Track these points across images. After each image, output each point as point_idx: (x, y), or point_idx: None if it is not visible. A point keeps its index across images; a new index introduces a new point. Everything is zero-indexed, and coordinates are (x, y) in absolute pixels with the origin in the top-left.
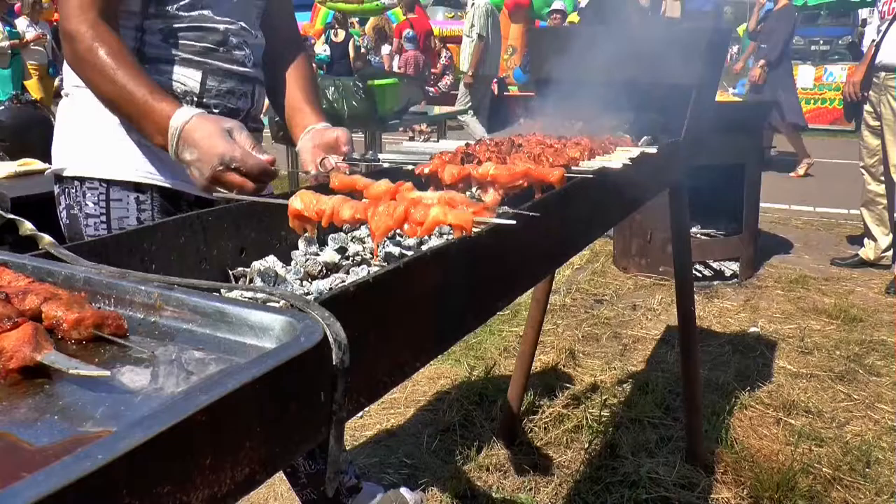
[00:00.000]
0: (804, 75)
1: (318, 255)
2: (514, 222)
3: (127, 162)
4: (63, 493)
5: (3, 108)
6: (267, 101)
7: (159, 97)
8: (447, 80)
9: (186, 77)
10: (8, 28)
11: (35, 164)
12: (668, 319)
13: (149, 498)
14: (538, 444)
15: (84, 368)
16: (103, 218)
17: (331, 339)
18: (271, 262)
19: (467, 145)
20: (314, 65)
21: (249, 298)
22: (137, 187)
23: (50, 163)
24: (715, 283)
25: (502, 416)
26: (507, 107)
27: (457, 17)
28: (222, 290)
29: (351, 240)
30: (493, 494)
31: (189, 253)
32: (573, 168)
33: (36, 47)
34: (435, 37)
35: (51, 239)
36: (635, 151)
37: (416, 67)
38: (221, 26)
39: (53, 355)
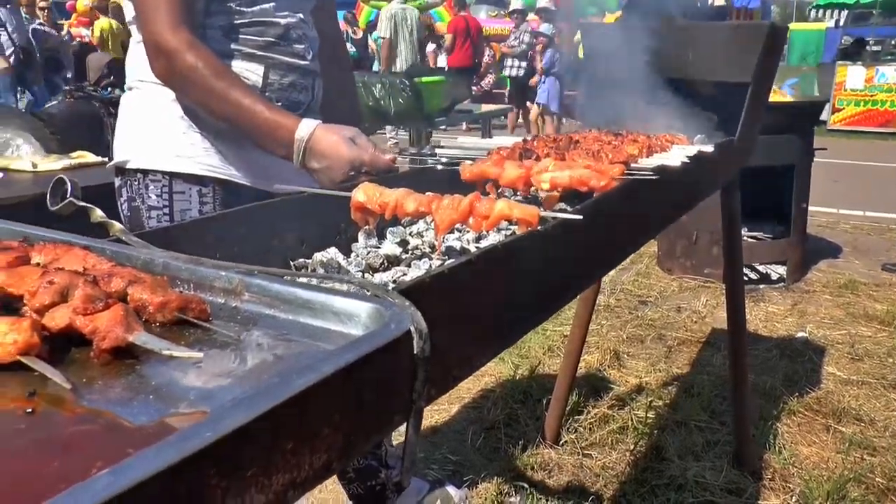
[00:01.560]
0: (854, 76)
1: (378, 247)
2: (580, 217)
3: (190, 155)
4: (178, 468)
5: (57, 102)
6: None
7: (277, 112)
8: (490, 78)
9: (249, 71)
10: None
11: (88, 156)
12: (714, 322)
13: (235, 479)
14: (583, 445)
15: (176, 350)
16: (166, 210)
17: (412, 328)
18: (333, 253)
19: (525, 141)
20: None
21: (330, 286)
22: (200, 180)
23: (98, 154)
24: (761, 286)
25: (547, 415)
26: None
27: (500, 15)
28: (302, 278)
29: (409, 233)
30: (538, 494)
31: (250, 243)
32: (632, 165)
33: None
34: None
35: (121, 226)
36: (692, 149)
37: None
38: (282, 20)
39: (145, 336)
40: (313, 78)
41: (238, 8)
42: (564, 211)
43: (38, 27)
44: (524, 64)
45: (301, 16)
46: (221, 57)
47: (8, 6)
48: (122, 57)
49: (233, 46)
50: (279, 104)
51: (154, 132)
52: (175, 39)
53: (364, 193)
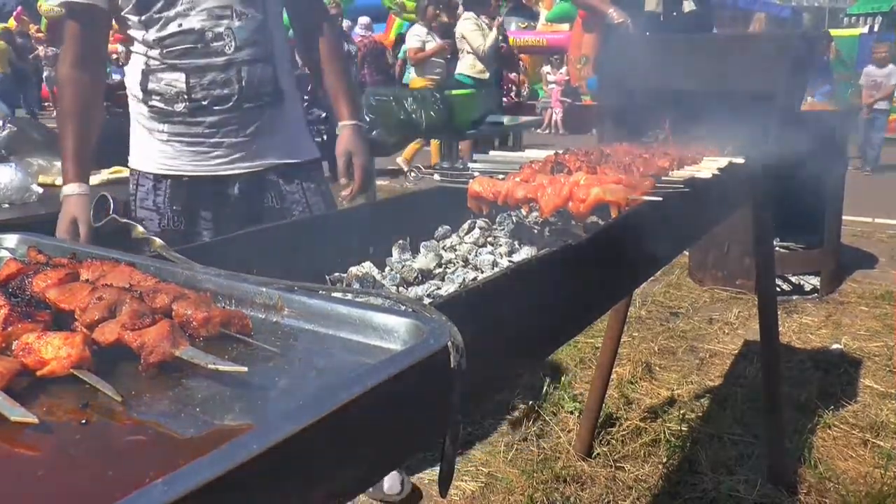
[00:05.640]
0: None
1: (412, 261)
2: (660, 199)
3: (148, 156)
4: (227, 479)
5: None
6: None
7: (69, 166)
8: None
9: (175, 80)
10: None
11: (125, 171)
12: (746, 334)
13: (278, 489)
14: (615, 457)
15: (222, 364)
16: (133, 198)
17: (449, 343)
18: (368, 267)
19: (556, 154)
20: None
21: (368, 301)
22: (156, 176)
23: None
24: (794, 297)
25: (579, 427)
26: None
27: (530, 27)
28: (341, 293)
29: (443, 247)
30: None
31: (286, 258)
32: (663, 178)
33: (437, 59)
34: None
35: (161, 242)
36: (722, 161)
37: None
38: (198, 24)
39: (191, 351)
40: (238, 68)
41: (158, 15)
42: (598, 221)
43: None
44: None
45: (221, 4)
46: (158, 72)
47: None
48: (8, 72)
49: (164, 61)
50: (205, 102)
51: (132, 139)
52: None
53: (479, 184)
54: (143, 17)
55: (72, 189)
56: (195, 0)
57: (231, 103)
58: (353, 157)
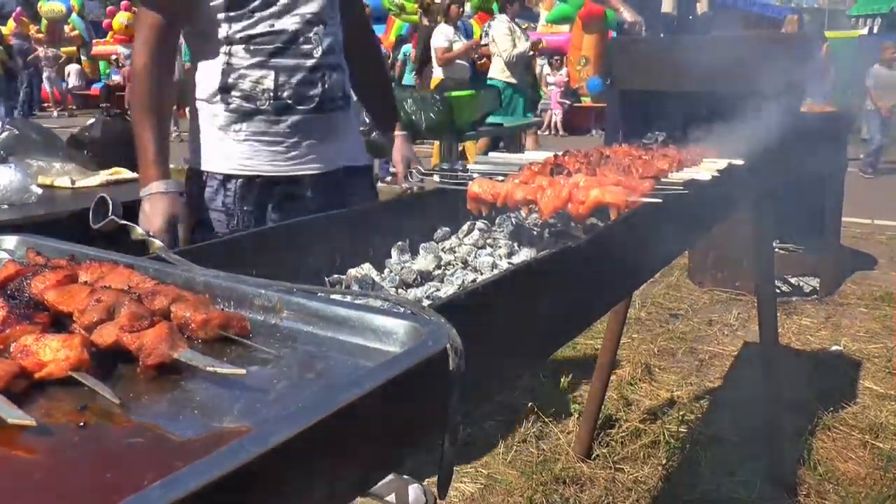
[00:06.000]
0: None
1: (411, 263)
2: (659, 200)
3: (221, 156)
4: (225, 482)
5: (94, 121)
6: None
7: (150, 160)
8: None
9: (263, 78)
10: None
11: (124, 173)
12: (746, 335)
13: (277, 492)
14: (615, 459)
15: (220, 366)
16: (198, 199)
17: (448, 345)
18: (367, 269)
19: (556, 156)
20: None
21: (366, 303)
22: (225, 176)
23: (133, 171)
24: (793, 298)
25: (579, 428)
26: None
27: (530, 28)
28: (340, 295)
29: (442, 249)
30: None
31: (286, 259)
32: (662, 179)
33: (461, 61)
34: None
35: (161, 244)
36: (722, 163)
37: None
38: (291, 27)
39: (189, 353)
40: (323, 71)
41: (252, 13)
42: (596, 224)
43: None
44: None
45: (313, 11)
46: (243, 69)
47: None
48: (1, 74)
49: (251, 59)
50: (290, 101)
51: (201, 140)
52: (138, 63)
53: (478, 185)
54: (232, 13)
55: (161, 187)
56: (291, 3)
57: (314, 104)
58: (412, 163)
